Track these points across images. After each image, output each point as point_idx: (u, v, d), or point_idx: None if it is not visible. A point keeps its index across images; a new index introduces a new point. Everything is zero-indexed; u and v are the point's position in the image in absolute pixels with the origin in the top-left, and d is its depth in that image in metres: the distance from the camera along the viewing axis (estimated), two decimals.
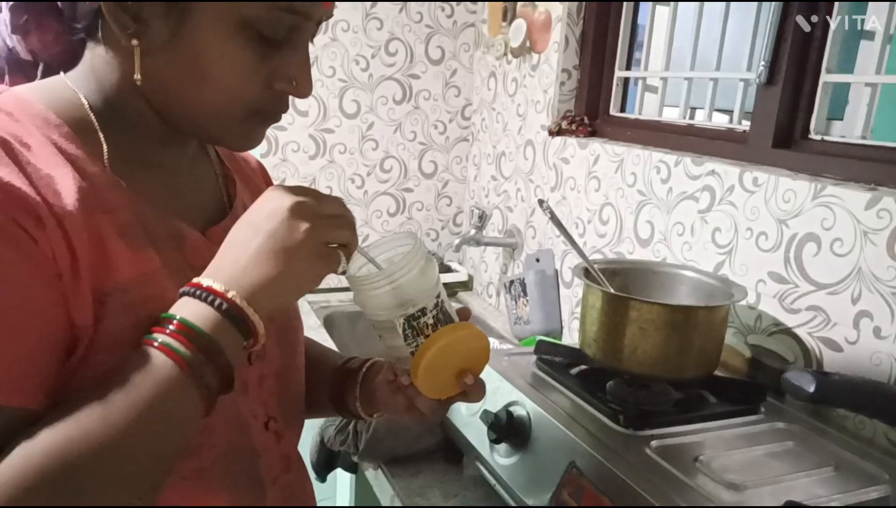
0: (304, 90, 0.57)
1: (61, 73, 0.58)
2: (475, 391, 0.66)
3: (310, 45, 0.58)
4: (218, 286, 0.50)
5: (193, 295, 0.50)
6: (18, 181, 0.47)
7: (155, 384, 0.47)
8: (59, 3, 0.54)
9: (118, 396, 0.46)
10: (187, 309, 0.50)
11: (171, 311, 0.50)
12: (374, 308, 0.61)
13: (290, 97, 0.58)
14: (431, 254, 0.64)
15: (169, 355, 0.48)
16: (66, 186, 0.50)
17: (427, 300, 0.61)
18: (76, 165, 0.52)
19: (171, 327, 0.49)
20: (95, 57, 0.55)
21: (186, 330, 0.49)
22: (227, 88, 0.53)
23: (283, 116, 0.59)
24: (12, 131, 0.50)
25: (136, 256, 0.53)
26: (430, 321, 0.61)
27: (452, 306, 0.65)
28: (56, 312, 0.48)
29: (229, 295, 0.50)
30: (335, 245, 0.54)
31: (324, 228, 0.52)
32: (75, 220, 0.49)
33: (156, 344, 0.48)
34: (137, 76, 0.53)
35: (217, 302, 0.50)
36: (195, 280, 0.52)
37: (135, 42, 0.52)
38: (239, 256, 0.52)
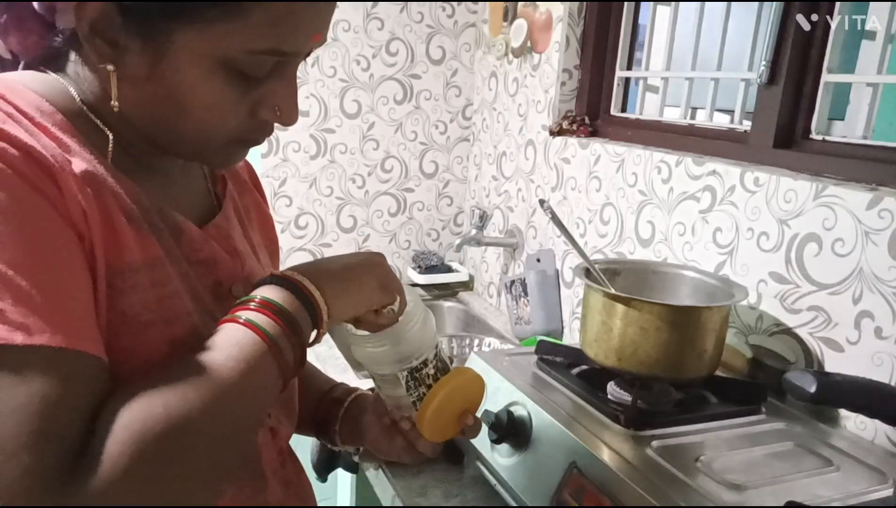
0: (289, 119, 0.56)
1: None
2: (474, 430, 0.73)
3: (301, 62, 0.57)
4: (298, 277, 0.55)
5: (272, 282, 0.55)
6: (37, 145, 0.46)
7: (244, 357, 0.49)
8: (37, 8, 0.52)
9: (211, 367, 0.48)
10: (268, 291, 0.54)
11: (252, 293, 0.54)
12: (376, 364, 0.64)
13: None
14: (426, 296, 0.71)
15: (254, 331, 0.50)
16: (74, 163, 0.49)
17: (428, 351, 0.65)
18: (72, 151, 0.50)
19: (253, 304, 0.52)
20: (78, 68, 0.54)
21: (271, 306, 0.52)
22: (207, 122, 0.53)
23: None
24: (8, 111, 0.48)
25: (143, 240, 0.52)
26: (432, 372, 0.65)
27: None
28: (87, 270, 0.47)
29: (305, 283, 0.55)
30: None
31: (393, 277, 0.62)
32: (86, 193, 0.48)
33: (241, 320, 0.51)
34: (114, 103, 0.52)
35: (295, 289, 0.54)
36: (273, 272, 0.56)
37: (111, 67, 0.50)
38: (322, 264, 0.59)
